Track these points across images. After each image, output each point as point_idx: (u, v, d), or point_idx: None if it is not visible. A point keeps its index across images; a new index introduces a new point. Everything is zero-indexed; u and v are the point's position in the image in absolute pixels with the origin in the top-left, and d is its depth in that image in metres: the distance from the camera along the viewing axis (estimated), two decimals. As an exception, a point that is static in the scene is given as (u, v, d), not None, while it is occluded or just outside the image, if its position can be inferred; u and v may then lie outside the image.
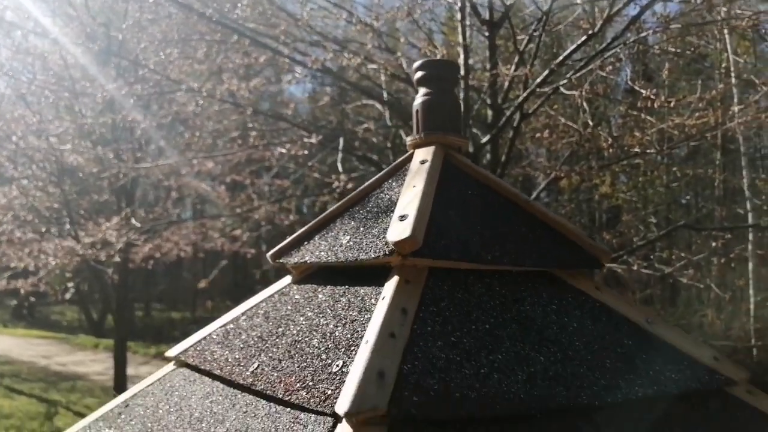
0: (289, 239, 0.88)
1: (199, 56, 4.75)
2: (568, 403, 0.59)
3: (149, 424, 0.77)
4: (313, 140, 4.09)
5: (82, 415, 9.96)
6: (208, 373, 0.78)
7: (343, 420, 0.49)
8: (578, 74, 4.45)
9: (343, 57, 3.89)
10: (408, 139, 0.87)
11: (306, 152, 4.61)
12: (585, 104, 4.67)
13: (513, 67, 4.89)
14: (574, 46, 4.49)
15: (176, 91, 4.65)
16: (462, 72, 4.96)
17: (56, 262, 5.74)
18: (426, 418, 0.50)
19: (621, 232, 7.85)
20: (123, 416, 0.86)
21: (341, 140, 4.47)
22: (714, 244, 4.74)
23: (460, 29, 5.11)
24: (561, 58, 4.34)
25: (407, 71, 5.57)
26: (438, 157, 0.80)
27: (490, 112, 5.42)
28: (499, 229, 0.75)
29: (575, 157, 7.41)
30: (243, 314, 0.86)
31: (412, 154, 0.85)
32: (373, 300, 0.65)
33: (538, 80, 4.60)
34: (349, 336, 0.61)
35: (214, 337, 0.86)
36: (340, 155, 4.52)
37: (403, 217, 0.67)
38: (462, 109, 4.26)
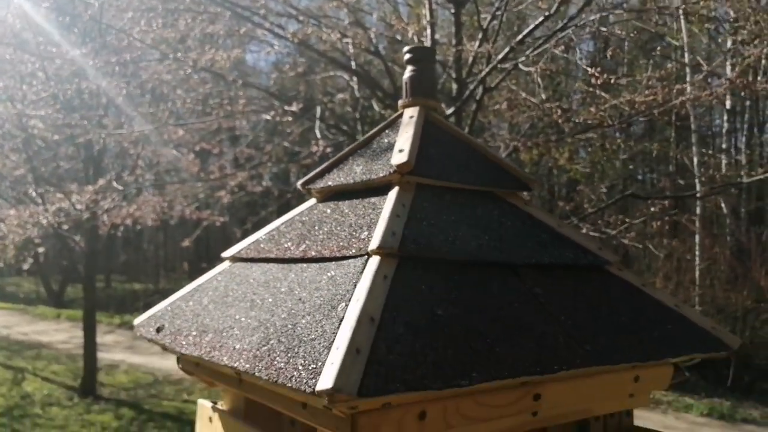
0: (313, 172, 1.23)
1: (182, 28, 4.93)
2: (502, 260, 0.97)
3: (223, 293, 1.12)
4: (294, 108, 4.39)
5: (50, 381, 10.07)
6: (263, 260, 1.14)
7: (373, 255, 0.86)
8: (536, 52, 4.84)
9: (321, 32, 4.16)
10: (399, 102, 1.22)
11: (290, 119, 4.89)
12: (541, 80, 5.08)
13: (477, 44, 5.25)
14: (531, 26, 4.87)
15: (163, 60, 4.83)
16: (428, 45, 5.31)
17: (47, 222, 5.84)
18: (418, 256, 0.88)
19: (575, 201, 8.38)
20: (197, 294, 1.20)
21: (318, 109, 4.78)
22: (653, 209, 5.29)
23: (427, 5, 5.42)
24: (520, 36, 4.71)
25: (375, 44, 5.86)
26: (421, 114, 1.16)
27: (454, 86, 5.78)
28: (461, 161, 1.12)
29: (535, 130, 7.85)
30: (282, 224, 1.21)
31: (403, 112, 1.21)
32: (381, 203, 1.01)
33: (500, 57, 4.98)
34: (368, 222, 0.97)
35: (261, 239, 1.21)
36: (318, 123, 4.82)
37: (401, 150, 1.03)
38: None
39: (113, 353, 12.57)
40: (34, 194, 9.20)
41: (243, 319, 0.93)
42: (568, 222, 5.95)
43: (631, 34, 5.43)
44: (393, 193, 1.00)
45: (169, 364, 12.07)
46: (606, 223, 5.61)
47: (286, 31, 4.37)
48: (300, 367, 0.70)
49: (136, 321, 1.25)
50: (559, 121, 5.04)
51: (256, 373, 0.75)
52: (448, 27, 7.30)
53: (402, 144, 1.06)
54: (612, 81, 4.52)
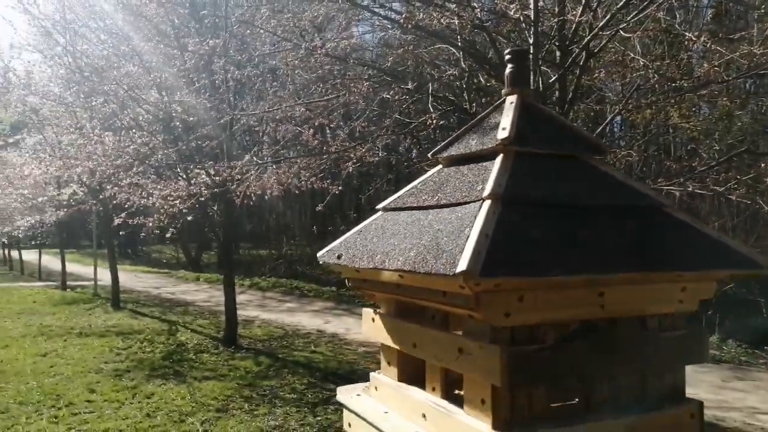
0: (439, 146, 1.71)
1: (306, 18, 5.51)
2: (579, 203, 1.40)
3: (382, 231, 1.63)
4: (410, 86, 4.86)
5: (198, 332, 11.52)
6: (407, 208, 1.63)
7: (486, 200, 1.32)
8: (637, 18, 4.91)
9: (431, 14, 4.56)
10: (503, 91, 1.65)
11: (406, 97, 5.36)
12: (645, 42, 5.13)
13: (580, 10, 5.39)
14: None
15: (295, 49, 5.46)
16: (532, 16, 5.52)
17: (195, 193, 6.80)
18: (516, 200, 1.33)
19: (686, 160, 8.17)
20: (361, 234, 1.73)
21: (430, 86, 5.21)
22: (762, 165, 5.19)
23: (531, -26, 5.58)
24: (621, 3, 4.81)
25: (481, 18, 6.13)
26: (519, 100, 1.58)
27: (558, 53, 5.94)
28: (550, 134, 1.54)
29: (645, 90, 7.71)
30: (418, 183, 1.70)
31: (505, 99, 1.64)
32: (490, 166, 1.45)
33: (600, 24, 5.10)
34: (482, 179, 1.42)
35: (403, 194, 1.70)
36: (430, 98, 5.25)
37: (504, 128, 1.47)
38: (531, 55, 4.84)
39: (247, 310, 14.03)
40: (179, 170, 10.49)
41: (401, 244, 1.44)
42: (675, 181, 5.97)
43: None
44: (499, 159, 1.44)
45: (296, 320, 13.29)
46: (715, 181, 5.58)
47: (399, 16, 4.80)
48: (444, 263, 1.19)
49: (319, 254, 1.80)
50: (672, 78, 5.06)
51: (417, 270, 1.25)
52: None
53: (505, 123, 1.50)
54: (709, 44, 4.51)
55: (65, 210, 15.00)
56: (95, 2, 11.17)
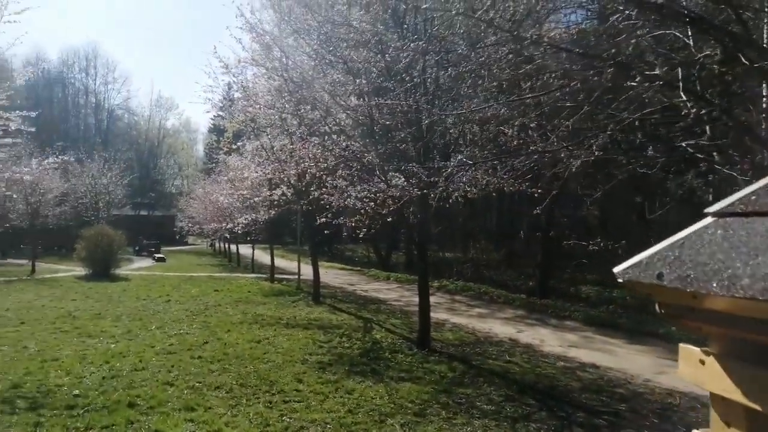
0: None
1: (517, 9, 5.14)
2: None
3: (727, 246, 1.20)
4: (658, 72, 4.22)
5: (391, 332, 11.67)
6: (760, 214, 1.19)
7: None
8: None
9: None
10: None
11: (647, 84, 4.68)
12: None
13: None
14: None
15: (506, 42, 5.13)
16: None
17: (415, 190, 6.77)
18: None
19: None
20: (685, 248, 1.31)
21: (679, 70, 4.49)
22: None
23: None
24: None
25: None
26: None
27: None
28: None
29: None
30: (773, 181, 1.25)
31: None
32: None
33: None
34: None
35: (753, 193, 1.26)
36: (681, 85, 4.52)
37: None
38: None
39: (437, 313, 14.01)
40: (377, 173, 10.78)
41: (784, 265, 1.00)
42: None
43: None
44: None
45: (487, 326, 12.93)
46: None
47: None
48: None
49: (619, 269, 1.41)
50: None
51: None
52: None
53: None
54: None
55: (276, 209, 16.46)
56: (306, 17, 11.97)
